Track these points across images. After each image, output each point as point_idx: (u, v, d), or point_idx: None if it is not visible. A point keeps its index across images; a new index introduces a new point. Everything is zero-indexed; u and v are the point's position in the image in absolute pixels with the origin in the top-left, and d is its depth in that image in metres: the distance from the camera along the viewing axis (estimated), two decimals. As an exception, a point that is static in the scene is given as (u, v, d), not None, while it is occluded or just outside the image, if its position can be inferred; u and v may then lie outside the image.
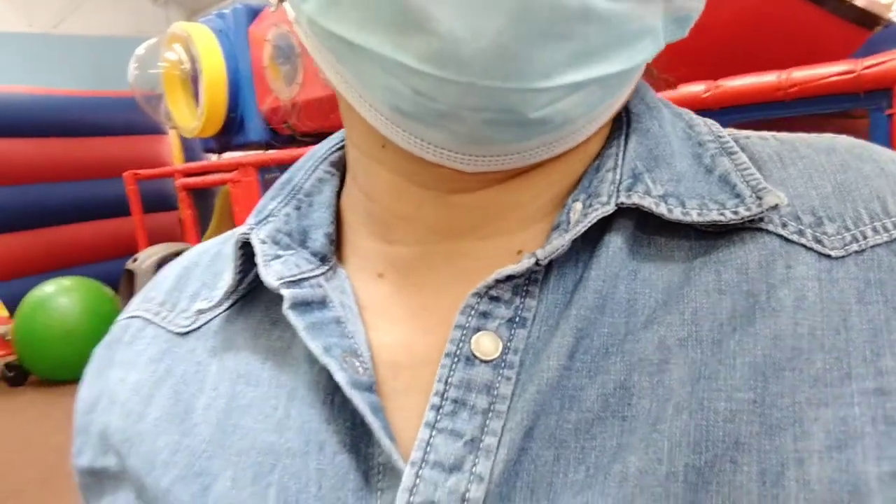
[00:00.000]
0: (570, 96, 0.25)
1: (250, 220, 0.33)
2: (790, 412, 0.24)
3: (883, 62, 0.86)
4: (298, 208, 0.33)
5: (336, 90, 0.29)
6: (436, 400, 0.26)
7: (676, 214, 0.28)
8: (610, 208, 0.28)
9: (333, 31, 0.25)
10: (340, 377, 0.27)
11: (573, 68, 0.24)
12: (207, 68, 2.15)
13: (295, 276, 0.30)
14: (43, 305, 3.58)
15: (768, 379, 0.25)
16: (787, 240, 0.27)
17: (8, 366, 3.78)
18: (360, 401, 0.26)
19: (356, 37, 0.24)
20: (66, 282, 3.70)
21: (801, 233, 0.27)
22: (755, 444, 0.24)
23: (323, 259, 0.32)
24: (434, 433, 0.26)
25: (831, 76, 0.89)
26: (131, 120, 4.36)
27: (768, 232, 0.28)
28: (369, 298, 0.31)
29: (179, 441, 0.30)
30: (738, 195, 0.28)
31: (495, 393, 0.26)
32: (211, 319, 0.34)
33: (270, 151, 2.09)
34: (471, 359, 0.27)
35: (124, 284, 3.61)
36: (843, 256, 0.27)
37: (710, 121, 0.32)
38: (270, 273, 0.30)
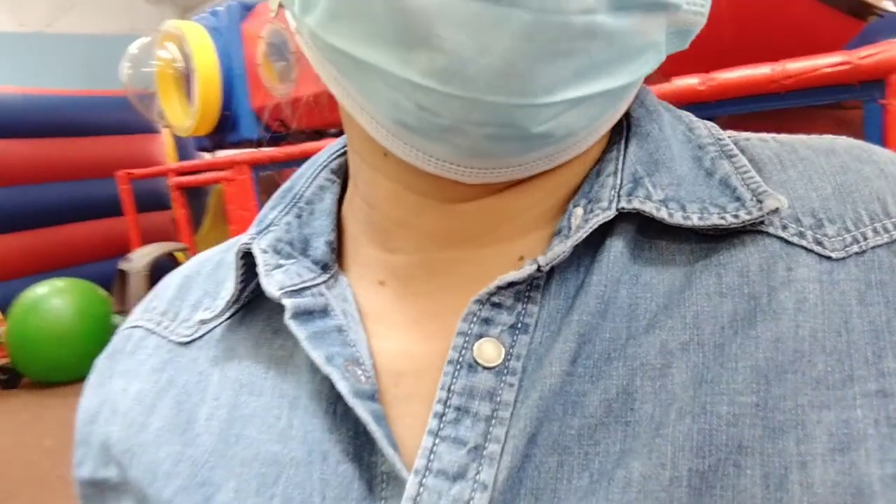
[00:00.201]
0: (572, 110, 0.24)
1: (252, 229, 0.33)
2: (793, 415, 0.24)
3: (878, 52, 0.86)
4: (299, 216, 0.33)
5: (337, 100, 0.29)
6: (438, 408, 0.26)
7: (677, 219, 0.27)
8: (611, 213, 0.28)
9: (336, 46, 0.24)
10: (342, 386, 0.27)
11: (577, 84, 0.24)
12: (201, 66, 2.13)
13: (296, 285, 0.30)
14: (36, 307, 3.53)
15: (770, 382, 0.25)
16: (787, 242, 0.27)
17: (1, 368, 3.73)
18: (362, 410, 0.26)
19: (360, 52, 0.24)
20: (59, 283, 3.66)
21: (801, 235, 0.27)
22: (758, 448, 0.24)
23: (324, 267, 0.32)
24: (437, 441, 0.26)
25: (826, 67, 0.88)
26: (124, 119, 4.33)
27: (769, 234, 0.28)
28: (371, 306, 0.31)
29: (182, 451, 0.30)
30: (738, 199, 0.28)
31: (498, 400, 0.26)
32: (213, 329, 0.34)
33: (264, 149, 2.07)
34: (473, 366, 0.26)
35: (117, 284, 3.60)
36: (843, 258, 0.27)
37: (710, 123, 0.32)
38: (272, 283, 0.30)
